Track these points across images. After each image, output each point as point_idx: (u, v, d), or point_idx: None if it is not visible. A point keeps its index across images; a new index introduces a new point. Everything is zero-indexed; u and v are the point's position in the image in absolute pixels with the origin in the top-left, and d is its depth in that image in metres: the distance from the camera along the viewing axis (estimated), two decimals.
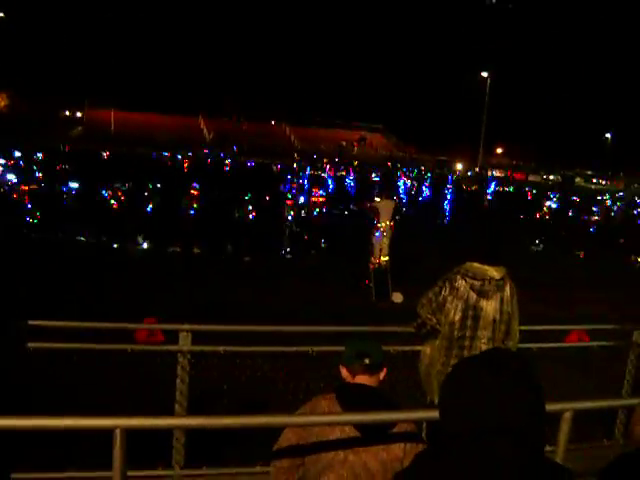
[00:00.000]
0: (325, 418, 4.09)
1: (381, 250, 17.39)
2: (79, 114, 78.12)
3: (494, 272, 6.24)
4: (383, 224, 17.51)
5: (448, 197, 35.75)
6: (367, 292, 17.26)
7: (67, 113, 79.26)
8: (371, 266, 17.50)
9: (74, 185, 25.13)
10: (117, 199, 24.40)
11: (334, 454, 3.95)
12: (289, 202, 25.33)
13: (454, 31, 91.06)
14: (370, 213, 18.15)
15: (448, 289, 6.28)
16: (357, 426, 4.00)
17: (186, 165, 38.94)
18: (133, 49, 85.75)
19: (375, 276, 17.34)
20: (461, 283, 6.24)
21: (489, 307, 6.21)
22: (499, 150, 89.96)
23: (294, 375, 9.37)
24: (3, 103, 77.30)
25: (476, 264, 6.27)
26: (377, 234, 17.49)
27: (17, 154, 31.06)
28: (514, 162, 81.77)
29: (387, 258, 17.40)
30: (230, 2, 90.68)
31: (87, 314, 8.14)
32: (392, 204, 18.37)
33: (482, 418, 2.26)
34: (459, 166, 67.79)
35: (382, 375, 4.35)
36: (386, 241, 17.48)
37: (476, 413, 2.27)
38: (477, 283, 6.22)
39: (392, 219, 17.74)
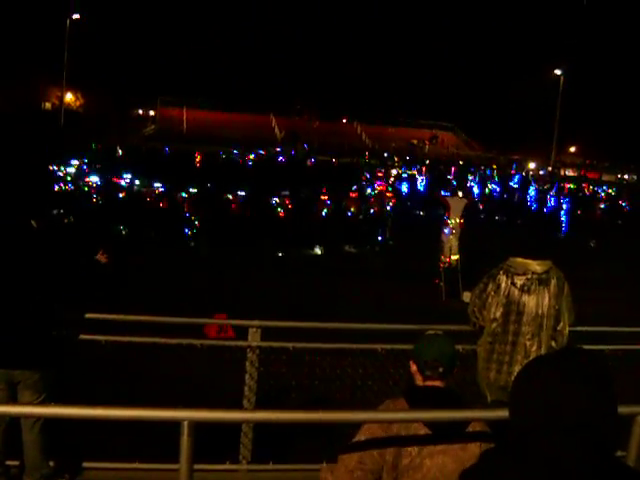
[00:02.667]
0: (393, 415, 4.05)
1: (451, 249, 17.23)
2: (152, 112, 79.39)
3: (536, 266, 6.10)
4: (453, 221, 17.38)
5: (564, 207, 33.93)
6: (437, 291, 17.07)
7: (140, 112, 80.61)
8: (441, 265, 17.36)
9: (241, 193, 25.11)
10: (285, 206, 24.44)
11: (409, 460, 3.89)
12: (389, 194, 26.96)
13: (526, 27, 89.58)
14: (442, 207, 18.04)
15: (490, 285, 6.17)
16: (432, 429, 3.96)
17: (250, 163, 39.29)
18: (204, 48, 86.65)
19: (445, 275, 17.21)
20: (502, 279, 6.13)
21: (531, 302, 6.07)
22: (572, 149, 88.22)
23: (362, 373, 9.33)
24: (78, 102, 78.87)
25: (519, 259, 6.15)
26: (446, 231, 17.37)
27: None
28: (587, 161, 79.93)
29: (457, 257, 17.26)
30: (301, 2, 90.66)
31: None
32: (463, 202, 18.22)
33: (553, 416, 2.22)
34: (531, 165, 66.68)
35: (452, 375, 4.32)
36: (455, 240, 17.32)
37: (547, 411, 2.23)
38: (519, 278, 6.09)
39: (462, 217, 17.56)
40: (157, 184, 25.46)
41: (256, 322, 6.95)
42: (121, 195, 24.93)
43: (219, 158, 41.15)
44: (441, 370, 4.18)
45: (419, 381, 4.25)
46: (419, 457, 3.88)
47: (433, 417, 3.98)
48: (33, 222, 5.62)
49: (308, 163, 42.31)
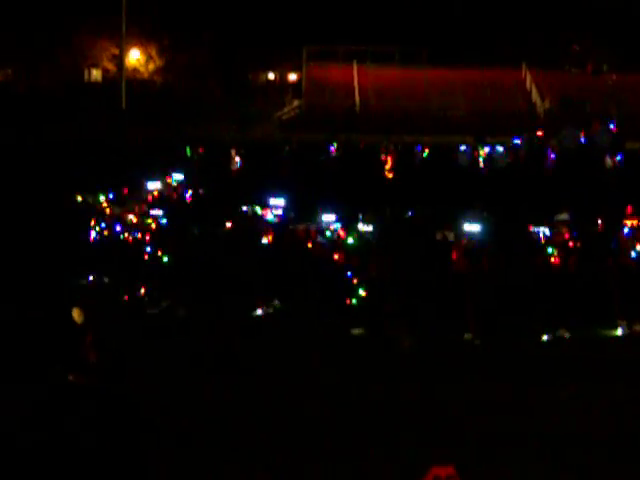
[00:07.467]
0: None
1: None
2: (294, 76, 73.76)
3: None
4: None
5: None
6: None
7: (270, 77, 75.71)
8: None
9: (471, 226, 21.79)
10: (562, 244, 21.43)
11: None
12: None
13: None
14: None
15: None
16: None
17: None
18: None
19: None
20: None
21: None
22: None
23: None
24: (150, 65, 74.25)
25: None
26: None
27: None
28: None
29: None
30: None
31: None
32: None
33: None
34: None
35: None
36: None
37: None
38: None
39: None
40: (327, 217, 22.89)
41: None
42: (265, 241, 23.13)
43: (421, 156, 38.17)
44: None
45: None
46: None
47: None
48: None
49: (609, 159, 36.21)
